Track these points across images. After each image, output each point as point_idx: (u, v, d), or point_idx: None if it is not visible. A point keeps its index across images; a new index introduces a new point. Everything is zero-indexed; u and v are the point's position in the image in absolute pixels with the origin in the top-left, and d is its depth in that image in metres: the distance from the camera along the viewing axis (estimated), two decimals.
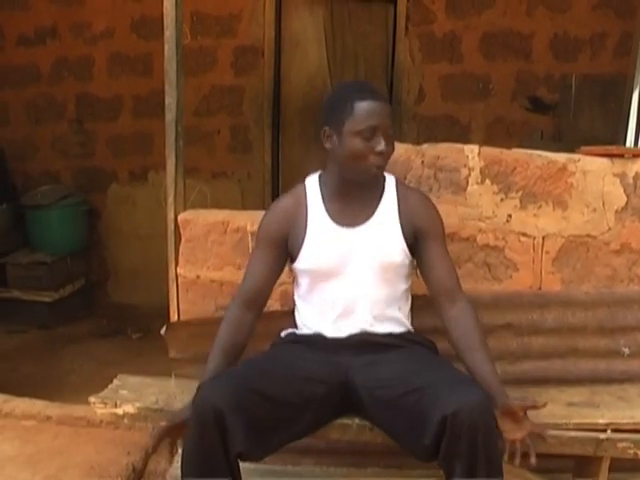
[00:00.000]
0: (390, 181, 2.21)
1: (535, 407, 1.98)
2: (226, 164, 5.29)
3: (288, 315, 2.32)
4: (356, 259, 2.13)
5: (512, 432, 1.94)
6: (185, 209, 2.74)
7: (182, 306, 2.68)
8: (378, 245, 2.12)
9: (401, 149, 2.59)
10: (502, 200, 2.56)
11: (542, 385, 2.47)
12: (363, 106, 2.03)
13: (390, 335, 2.14)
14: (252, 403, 1.89)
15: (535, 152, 2.59)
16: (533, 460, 1.92)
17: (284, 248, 2.17)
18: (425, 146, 2.61)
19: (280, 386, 1.98)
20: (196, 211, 2.75)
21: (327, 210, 2.15)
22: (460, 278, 2.52)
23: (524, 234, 2.56)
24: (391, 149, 2.10)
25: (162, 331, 2.62)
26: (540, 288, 2.58)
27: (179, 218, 2.68)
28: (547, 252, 2.57)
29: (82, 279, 5.27)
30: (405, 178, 2.56)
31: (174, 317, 2.69)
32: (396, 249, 2.13)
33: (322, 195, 2.17)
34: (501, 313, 2.54)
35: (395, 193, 2.18)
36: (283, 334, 2.28)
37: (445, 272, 2.13)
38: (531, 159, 2.56)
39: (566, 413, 2.25)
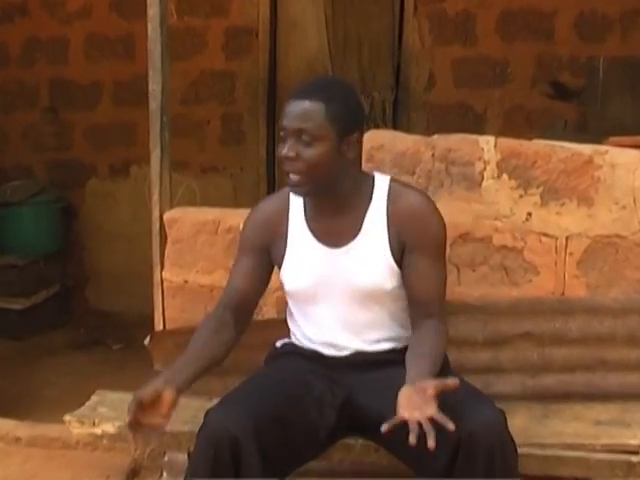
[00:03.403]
0: (381, 186, 2.13)
1: (448, 387, 1.83)
2: (217, 157, 5.29)
3: (284, 323, 2.32)
4: (341, 283, 2.10)
5: (410, 410, 1.77)
6: (172, 207, 2.74)
7: (168, 314, 2.68)
8: (364, 270, 2.08)
9: (409, 141, 2.59)
10: (521, 197, 2.57)
11: (566, 401, 2.47)
12: (286, 106, 2.05)
13: (392, 351, 2.14)
14: (266, 429, 1.91)
15: (558, 143, 2.59)
16: (431, 443, 1.72)
17: (267, 257, 2.18)
18: (436, 137, 2.62)
19: (291, 410, 2.00)
20: (184, 209, 2.75)
21: (309, 225, 2.13)
22: (474, 282, 2.53)
23: (545, 234, 2.57)
24: (308, 154, 2.00)
25: (146, 341, 2.63)
26: (563, 294, 2.58)
27: (165, 217, 2.69)
28: (571, 254, 2.57)
29: (57, 284, 5.27)
30: (414, 173, 2.57)
31: (159, 326, 2.69)
32: (384, 274, 2.08)
33: (304, 206, 2.15)
34: (520, 321, 2.55)
35: (385, 202, 2.10)
36: (279, 344, 2.29)
37: (423, 287, 2.06)
38: (553, 151, 2.56)
39: (593, 433, 2.25)
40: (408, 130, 2.60)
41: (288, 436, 1.97)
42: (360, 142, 2.10)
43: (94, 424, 2.28)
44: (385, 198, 2.11)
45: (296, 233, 2.14)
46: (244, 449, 1.85)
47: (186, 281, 2.65)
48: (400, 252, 2.09)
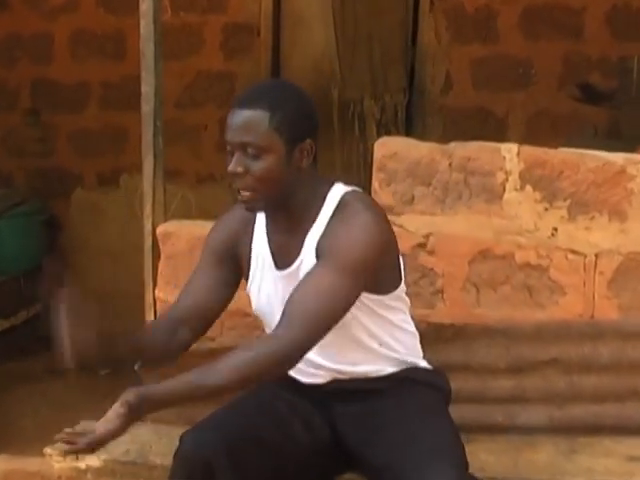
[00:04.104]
0: (333, 199, 2.05)
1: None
2: (214, 165, 5.29)
3: None
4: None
5: None
6: (165, 220, 2.75)
7: None
8: None
9: (424, 149, 2.61)
10: (546, 210, 2.58)
11: (595, 434, 2.48)
12: (228, 118, 2.01)
13: (369, 379, 2.13)
14: (243, 450, 1.96)
15: (587, 152, 2.61)
16: None
17: (233, 266, 2.18)
18: (453, 145, 2.63)
19: (273, 430, 2.05)
20: (178, 222, 2.77)
21: (269, 240, 2.13)
22: (495, 304, 2.53)
23: (573, 251, 2.57)
24: (256, 168, 1.97)
25: (136, 367, 2.63)
26: (593, 316, 2.58)
27: (158, 231, 2.70)
28: (601, 273, 2.58)
29: (38, 304, 5.28)
30: (429, 184, 2.58)
31: None
32: None
33: (267, 221, 2.14)
34: (545, 346, 2.55)
35: (327, 220, 2.03)
36: None
37: (293, 296, 1.95)
38: (582, 161, 2.57)
39: (626, 469, 2.25)
40: (423, 137, 2.60)
41: (272, 457, 2.02)
42: (314, 148, 2.05)
43: (77, 458, 2.29)
44: (330, 215, 2.05)
45: (258, 247, 2.15)
46: (217, 472, 1.91)
47: None
48: None
